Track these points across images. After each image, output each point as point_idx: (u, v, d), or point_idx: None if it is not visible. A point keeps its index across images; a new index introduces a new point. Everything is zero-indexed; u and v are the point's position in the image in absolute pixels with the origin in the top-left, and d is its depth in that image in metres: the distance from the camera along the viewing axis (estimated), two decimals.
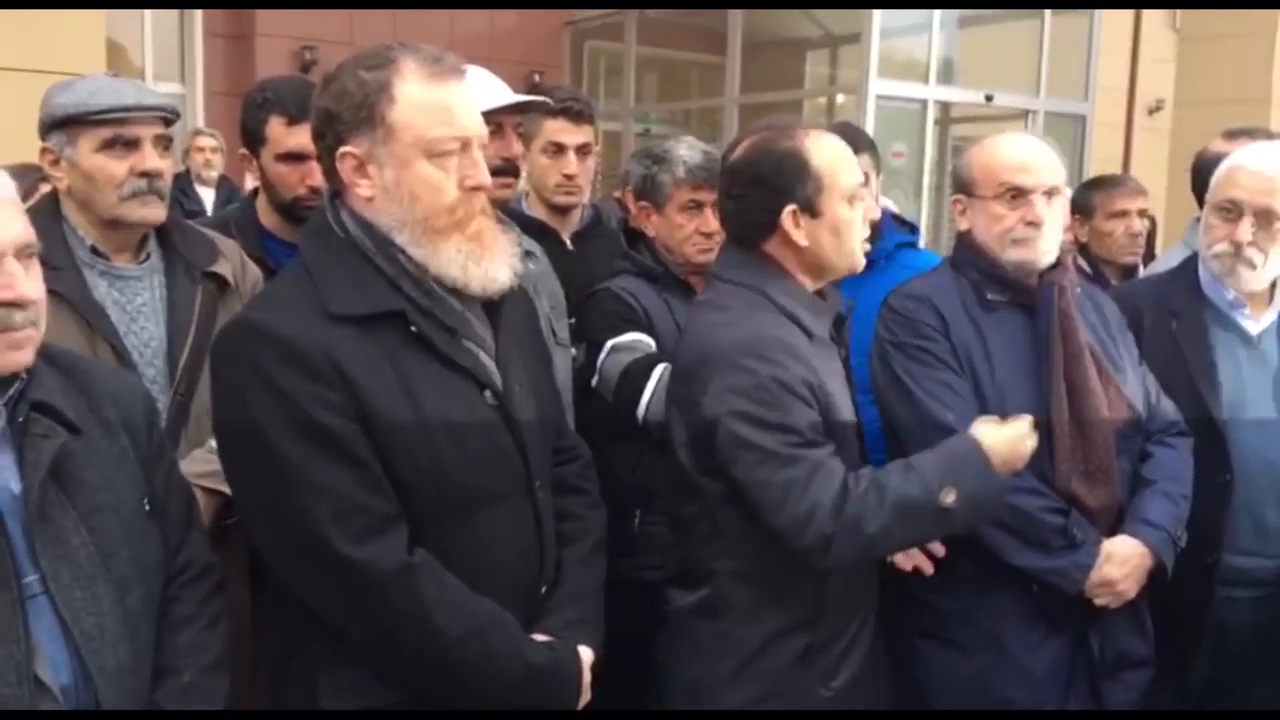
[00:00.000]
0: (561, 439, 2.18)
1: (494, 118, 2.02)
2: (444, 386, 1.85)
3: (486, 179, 1.89)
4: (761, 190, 2.19)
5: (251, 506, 1.85)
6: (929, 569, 2.39)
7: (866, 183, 3.02)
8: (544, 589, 1.98)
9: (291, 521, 1.74)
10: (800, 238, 2.19)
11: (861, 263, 2.30)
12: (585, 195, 3.25)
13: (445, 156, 1.84)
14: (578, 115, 3.11)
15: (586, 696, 1.95)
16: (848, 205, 2.21)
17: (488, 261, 1.88)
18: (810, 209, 2.18)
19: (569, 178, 3.10)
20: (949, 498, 2.03)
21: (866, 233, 2.28)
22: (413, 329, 1.83)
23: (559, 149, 3.09)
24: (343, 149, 1.84)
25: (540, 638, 1.91)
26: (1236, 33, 9.29)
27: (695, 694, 2.19)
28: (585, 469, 2.20)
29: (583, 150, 3.12)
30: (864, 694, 2.24)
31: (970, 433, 2.13)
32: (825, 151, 2.20)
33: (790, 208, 2.18)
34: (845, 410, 2.22)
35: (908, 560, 2.40)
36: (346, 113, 1.82)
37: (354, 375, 1.76)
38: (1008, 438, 2.12)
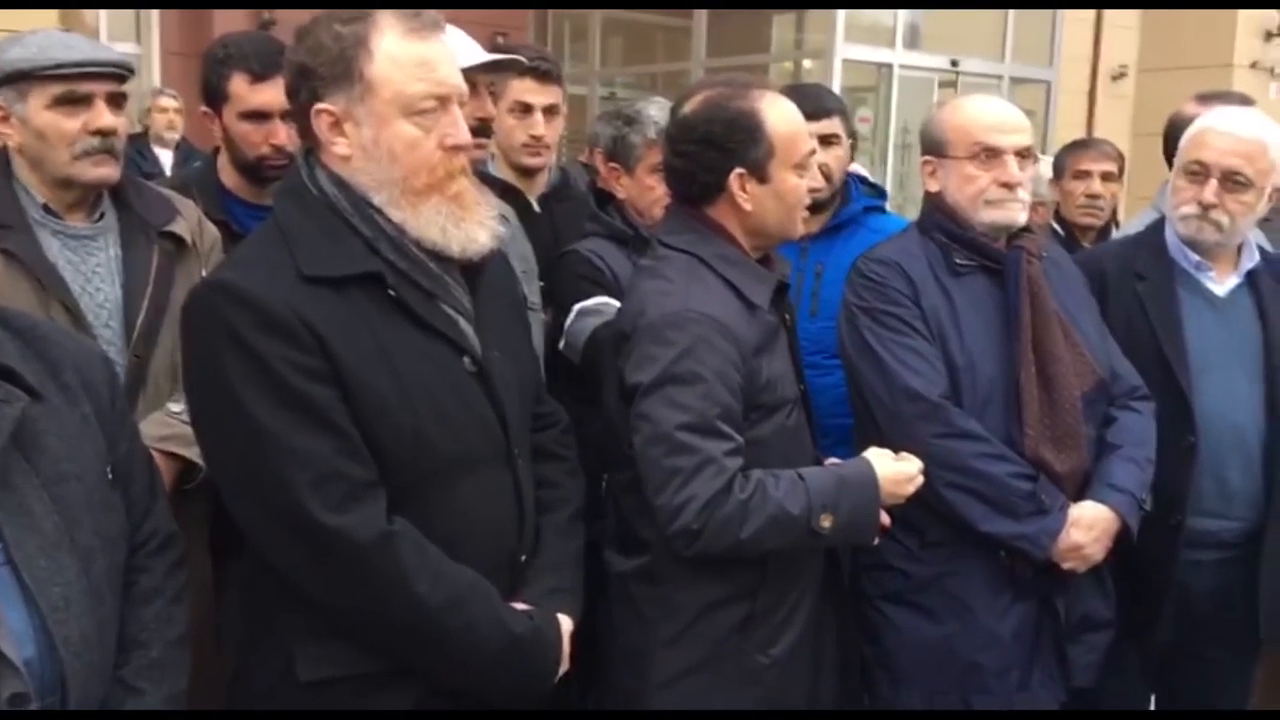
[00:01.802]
0: (540, 405, 2.15)
1: (467, 77, 1.98)
2: (422, 352, 1.81)
3: (467, 138, 1.85)
4: (711, 150, 2.15)
5: (227, 474, 1.81)
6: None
7: (838, 144, 3.03)
8: (523, 558, 1.96)
9: (268, 489, 1.71)
10: (745, 202, 2.16)
11: (799, 231, 2.28)
12: (552, 157, 3.21)
13: (425, 114, 1.80)
14: (545, 75, 3.05)
15: (565, 665, 1.94)
16: (795, 174, 2.18)
17: (468, 224, 1.85)
18: (759, 174, 2.15)
19: (536, 139, 3.04)
20: (825, 522, 2.06)
21: (809, 200, 2.26)
22: (390, 293, 1.80)
23: (526, 109, 3.03)
24: (318, 106, 1.79)
25: (520, 606, 1.90)
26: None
27: (635, 658, 2.19)
28: (564, 435, 2.17)
29: (550, 111, 3.07)
30: (803, 659, 2.24)
31: (868, 460, 2.16)
32: (780, 116, 2.16)
33: (738, 170, 2.15)
34: (783, 382, 2.20)
35: None
36: (322, 68, 1.78)
37: (330, 339, 1.72)
38: (897, 474, 2.16)
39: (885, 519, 2.18)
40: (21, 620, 1.54)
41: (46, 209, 2.26)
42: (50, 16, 5.29)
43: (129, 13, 9.45)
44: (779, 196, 2.18)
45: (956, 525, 2.40)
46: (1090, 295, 2.64)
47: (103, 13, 9.25)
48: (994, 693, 2.42)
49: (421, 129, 1.79)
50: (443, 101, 1.81)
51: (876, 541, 2.22)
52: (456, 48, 2.13)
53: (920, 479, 2.19)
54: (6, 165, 2.28)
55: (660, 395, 2.04)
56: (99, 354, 1.87)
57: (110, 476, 1.71)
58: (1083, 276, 2.67)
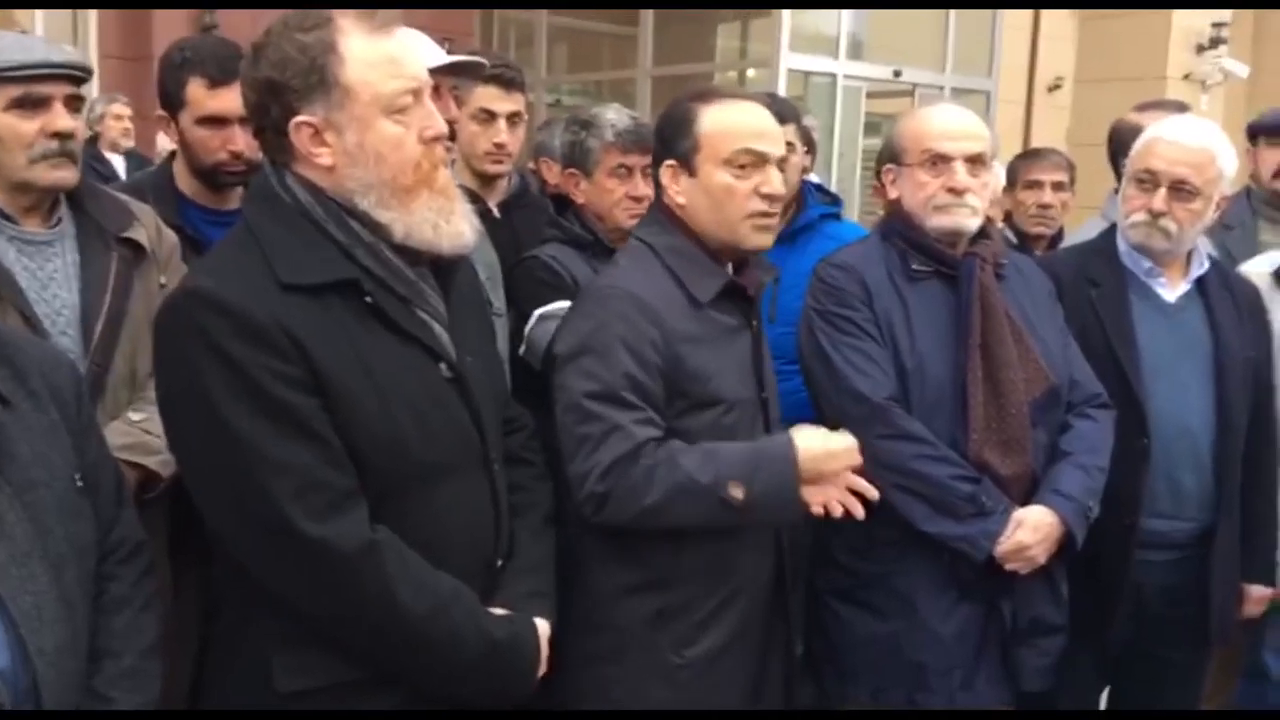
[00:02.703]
0: (508, 409, 2.15)
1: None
2: (399, 359, 1.80)
3: (444, 127, 1.85)
4: (657, 144, 2.31)
5: (204, 484, 1.77)
6: (859, 511, 2.19)
7: (792, 153, 3.05)
8: (499, 562, 1.96)
9: (249, 499, 1.68)
10: (676, 195, 2.24)
11: (747, 239, 2.23)
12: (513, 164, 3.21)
13: (403, 111, 1.79)
14: (509, 83, 3.06)
15: (543, 668, 1.93)
16: (727, 171, 2.20)
17: (456, 218, 1.85)
18: (687, 167, 2.23)
19: (499, 146, 3.04)
20: (736, 493, 2.04)
21: (763, 206, 2.21)
22: (367, 300, 1.78)
23: (490, 116, 3.03)
24: (296, 119, 1.76)
25: (499, 611, 1.89)
26: (1134, 12, 9.53)
27: (553, 638, 2.16)
28: (530, 440, 2.17)
29: (513, 118, 3.07)
30: (726, 670, 2.22)
31: (789, 435, 2.13)
32: (717, 116, 2.22)
33: (669, 163, 2.24)
34: (722, 381, 2.19)
35: (837, 506, 2.24)
36: (294, 80, 1.74)
37: (309, 347, 1.70)
38: (824, 450, 2.11)
39: (839, 508, 2.10)
40: None
41: (1, 214, 2.21)
42: None
43: (65, 15, 9.25)
44: (707, 192, 2.21)
45: (903, 525, 2.42)
46: (1055, 303, 2.68)
47: (38, 14, 9.06)
48: (936, 691, 2.46)
49: (402, 125, 1.79)
50: (416, 95, 1.81)
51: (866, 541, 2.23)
52: (420, 49, 2.13)
53: (855, 457, 2.12)
54: None
55: (574, 365, 2.10)
56: (65, 360, 1.85)
57: (80, 484, 1.69)
58: (1050, 284, 2.70)
